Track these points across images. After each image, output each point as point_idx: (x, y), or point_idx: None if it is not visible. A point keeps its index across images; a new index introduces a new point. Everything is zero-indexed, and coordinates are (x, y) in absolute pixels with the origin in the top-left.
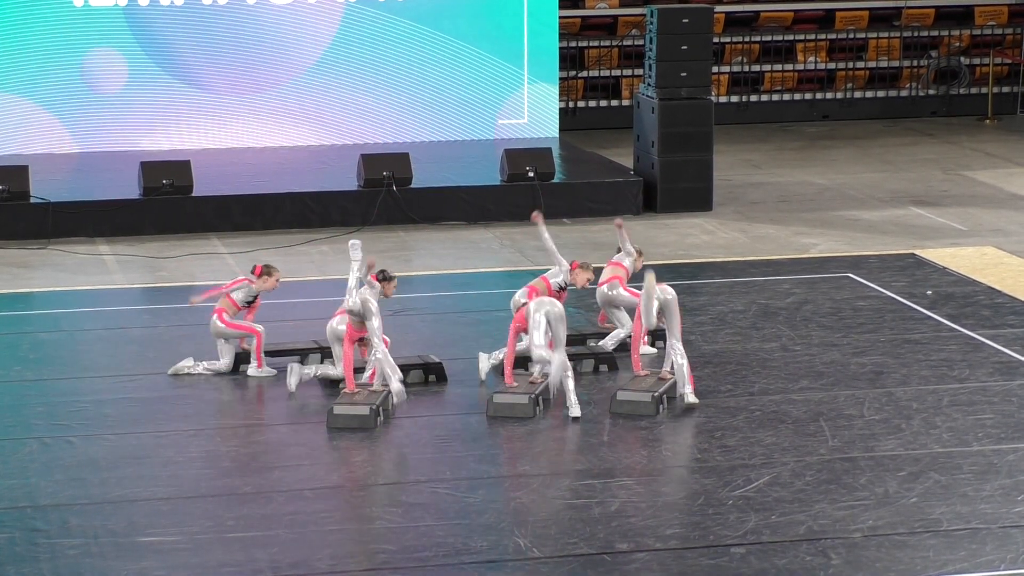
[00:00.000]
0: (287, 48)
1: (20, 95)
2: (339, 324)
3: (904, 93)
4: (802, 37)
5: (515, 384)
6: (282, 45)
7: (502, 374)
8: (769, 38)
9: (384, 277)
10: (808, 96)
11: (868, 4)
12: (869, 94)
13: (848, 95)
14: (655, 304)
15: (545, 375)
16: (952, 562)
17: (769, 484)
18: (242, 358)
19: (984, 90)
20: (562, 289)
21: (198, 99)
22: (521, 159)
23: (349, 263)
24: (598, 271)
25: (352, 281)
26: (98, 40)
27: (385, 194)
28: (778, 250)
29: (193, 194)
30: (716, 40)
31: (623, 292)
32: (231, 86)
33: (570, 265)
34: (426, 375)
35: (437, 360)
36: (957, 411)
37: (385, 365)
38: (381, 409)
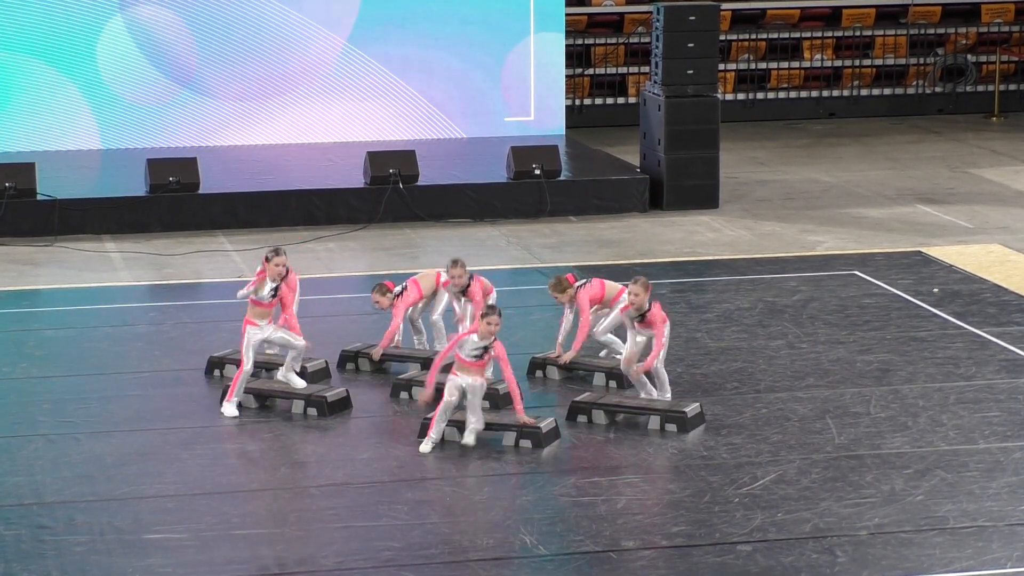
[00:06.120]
0: (296, 45)
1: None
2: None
3: (911, 90)
4: (808, 34)
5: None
6: (291, 43)
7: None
8: (775, 35)
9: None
10: (814, 93)
11: (875, 1)
12: (876, 91)
13: (855, 93)
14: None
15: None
16: (958, 560)
17: (775, 482)
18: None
19: (991, 87)
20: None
21: (205, 96)
22: (527, 156)
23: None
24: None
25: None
26: (106, 41)
27: (391, 191)
28: (784, 248)
29: (200, 191)
30: (722, 37)
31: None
32: (239, 83)
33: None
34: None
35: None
36: (963, 409)
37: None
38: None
